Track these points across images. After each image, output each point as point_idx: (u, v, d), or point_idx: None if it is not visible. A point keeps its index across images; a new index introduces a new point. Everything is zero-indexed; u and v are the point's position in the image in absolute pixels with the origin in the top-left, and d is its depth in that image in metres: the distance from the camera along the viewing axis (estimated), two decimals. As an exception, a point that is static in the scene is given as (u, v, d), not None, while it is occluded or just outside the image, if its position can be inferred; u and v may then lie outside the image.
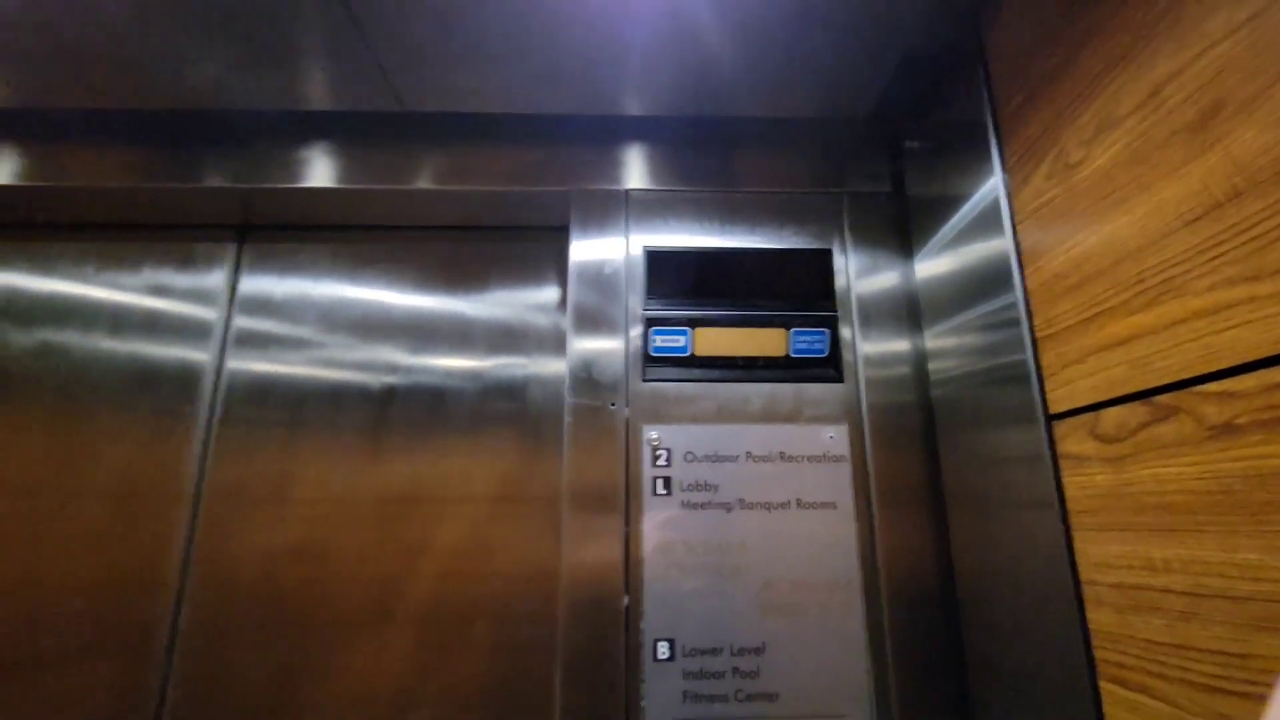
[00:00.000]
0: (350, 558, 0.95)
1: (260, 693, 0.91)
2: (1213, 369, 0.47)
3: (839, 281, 0.97)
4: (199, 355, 1.03)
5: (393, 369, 1.03)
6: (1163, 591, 0.51)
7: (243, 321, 1.05)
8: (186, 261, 1.08)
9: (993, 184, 0.74)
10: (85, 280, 1.07)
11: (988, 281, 0.75)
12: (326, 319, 1.06)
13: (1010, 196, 0.72)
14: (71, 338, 1.04)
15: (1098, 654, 0.58)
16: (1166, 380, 0.51)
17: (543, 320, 1.06)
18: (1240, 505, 0.45)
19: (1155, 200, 0.52)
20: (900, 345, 0.94)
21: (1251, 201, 0.44)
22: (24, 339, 1.03)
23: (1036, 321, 0.67)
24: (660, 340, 0.94)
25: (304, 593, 0.94)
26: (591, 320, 0.95)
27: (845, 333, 0.95)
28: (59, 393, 1.01)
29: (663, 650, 0.83)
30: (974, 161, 0.78)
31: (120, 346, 1.04)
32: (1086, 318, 0.60)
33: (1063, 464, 0.63)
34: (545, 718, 0.81)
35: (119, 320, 1.05)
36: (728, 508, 0.88)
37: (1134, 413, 0.54)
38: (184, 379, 1.02)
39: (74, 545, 0.96)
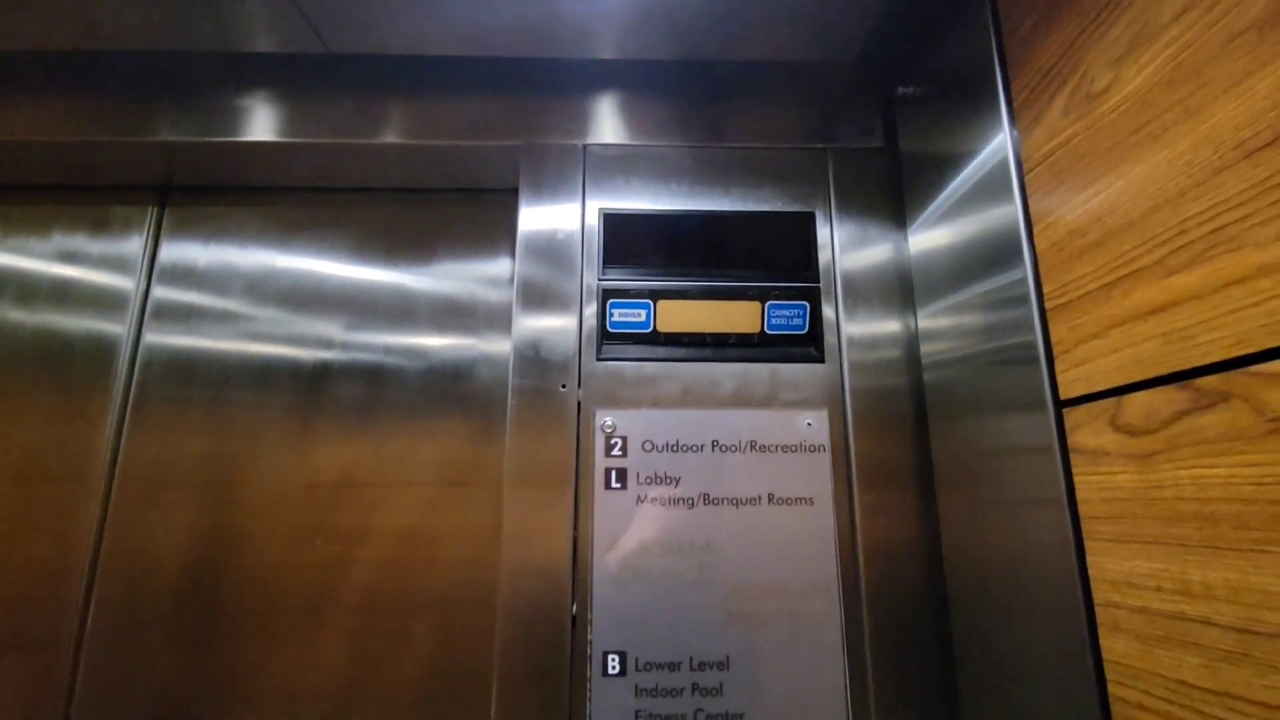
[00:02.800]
0: (276, 547, 0.86)
1: (175, 692, 0.82)
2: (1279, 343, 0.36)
3: (822, 253, 0.86)
4: (113, 328, 0.93)
5: (328, 345, 0.93)
6: (1203, 623, 0.41)
7: (162, 292, 0.95)
8: (101, 226, 0.97)
9: (1001, 138, 0.62)
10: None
11: (994, 256, 0.63)
12: (256, 289, 0.95)
13: (1019, 144, 0.60)
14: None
15: (1112, 690, 0.48)
16: (1214, 358, 0.40)
17: (494, 295, 0.95)
18: (1314, 520, 0.34)
19: (1205, 127, 0.41)
20: (890, 324, 0.83)
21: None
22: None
23: (1047, 289, 0.56)
24: (619, 315, 0.83)
25: (223, 586, 0.84)
26: (540, 292, 0.84)
27: (828, 310, 0.84)
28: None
29: (613, 664, 0.73)
30: (977, 108, 0.66)
31: (29, 318, 0.94)
32: (1109, 282, 0.49)
33: (1075, 460, 0.52)
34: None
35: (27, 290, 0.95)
36: (690, 504, 0.77)
37: (1168, 399, 0.43)
38: (97, 353, 0.92)
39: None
